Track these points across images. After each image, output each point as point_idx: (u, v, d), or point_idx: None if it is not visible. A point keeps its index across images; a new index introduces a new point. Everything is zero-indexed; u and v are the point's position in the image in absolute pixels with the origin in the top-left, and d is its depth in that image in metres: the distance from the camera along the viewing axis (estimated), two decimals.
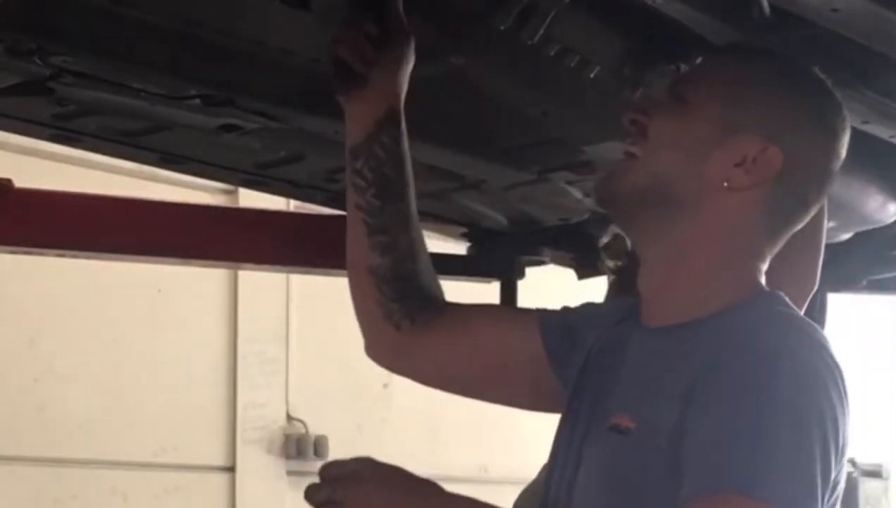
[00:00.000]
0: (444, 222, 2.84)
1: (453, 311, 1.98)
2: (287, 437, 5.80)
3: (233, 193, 4.92)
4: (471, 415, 6.10)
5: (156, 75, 2.07)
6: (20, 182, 2.63)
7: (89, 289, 5.10)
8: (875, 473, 7.64)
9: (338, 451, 5.85)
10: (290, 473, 5.79)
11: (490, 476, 6.13)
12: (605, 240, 2.78)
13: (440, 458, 6.09)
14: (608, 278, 2.80)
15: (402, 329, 1.96)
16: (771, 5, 1.71)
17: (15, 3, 1.87)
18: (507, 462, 5.99)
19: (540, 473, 2.62)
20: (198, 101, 2.14)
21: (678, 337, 1.68)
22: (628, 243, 2.33)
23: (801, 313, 1.92)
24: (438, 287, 2.00)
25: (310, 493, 1.65)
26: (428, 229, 2.92)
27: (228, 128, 2.26)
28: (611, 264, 2.77)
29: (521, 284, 3.00)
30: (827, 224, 2.19)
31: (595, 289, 3.06)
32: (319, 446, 5.80)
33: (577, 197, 2.60)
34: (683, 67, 1.99)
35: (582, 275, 3.07)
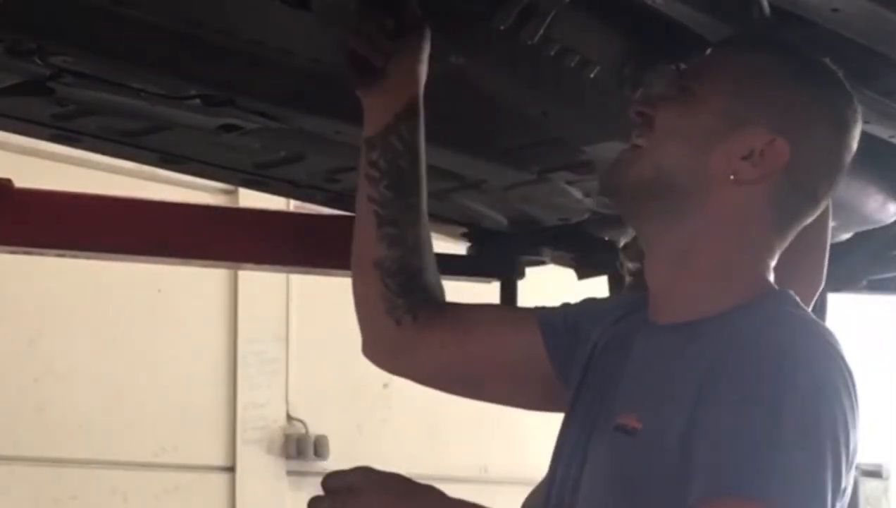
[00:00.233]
0: (444, 222, 2.84)
1: (454, 310, 1.98)
2: (287, 437, 5.80)
3: (233, 193, 4.92)
4: (471, 415, 6.10)
5: (156, 75, 2.07)
6: (20, 182, 2.62)
7: (89, 289, 5.10)
8: (875, 473, 7.64)
9: (338, 451, 5.85)
10: (290, 473, 5.79)
11: (490, 476, 6.12)
12: (624, 241, 2.78)
13: (440, 458, 6.09)
14: (626, 280, 2.78)
15: (403, 325, 1.96)
16: (771, 5, 1.71)
17: (15, 3, 1.87)
18: (507, 462, 5.99)
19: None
20: (198, 101, 2.15)
21: (685, 336, 1.67)
22: None
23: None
24: (440, 286, 2.00)
25: (312, 506, 1.66)
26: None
27: (228, 128, 2.26)
28: (630, 265, 2.76)
29: (520, 284, 3.00)
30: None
31: (595, 289, 3.06)
32: (319, 446, 5.80)
33: (577, 197, 2.60)
34: (683, 67, 1.99)
35: (582, 275, 3.07)
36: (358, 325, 2.03)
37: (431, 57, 1.99)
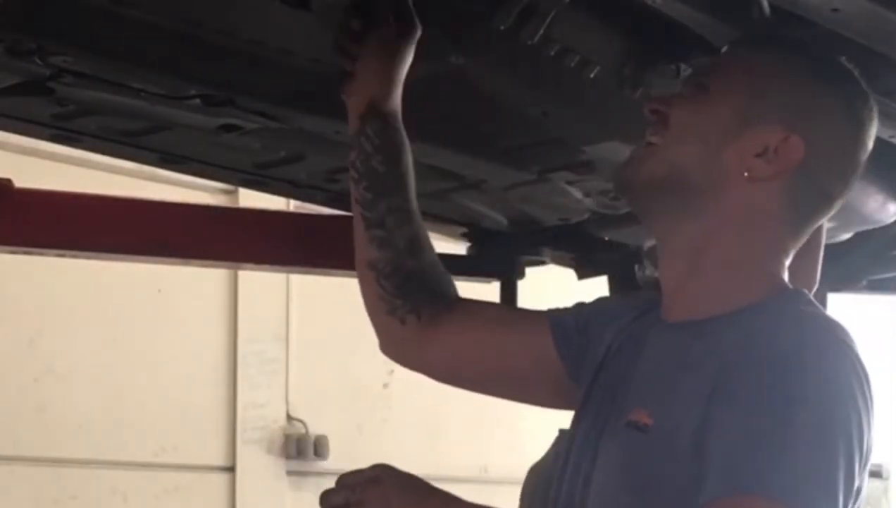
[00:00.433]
0: (444, 222, 2.84)
1: (462, 309, 1.98)
2: (287, 437, 5.79)
3: (233, 193, 4.92)
4: (471, 415, 6.10)
5: (156, 75, 2.07)
6: (20, 182, 2.62)
7: (89, 289, 5.10)
8: (875, 473, 7.66)
9: (338, 451, 5.85)
10: (290, 473, 5.79)
11: (490, 476, 6.12)
12: (648, 244, 2.77)
13: (440, 458, 6.09)
14: (644, 287, 2.78)
15: (408, 324, 1.96)
16: (771, 5, 1.71)
17: (15, 3, 1.87)
18: (507, 462, 5.98)
19: (550, 449, 2.63)
20: (198, 101, 2.14)
21: (698, 334, 1.67)
22: None
23: None
24: (447, 283, 2.00)
25: (325, 497, 1.66)
26: (428, 229, 2.92)
27: (228, 128, 2.26)
28: (650, 272, 2.77)
29: (520, 284, 3.00)
30: (827, 224, 2.19)
31: (595, 289, 3.06)
32: (319, 446, 5.79)
33: (577, 197, 2.60)
34: (683, 67, 1.99)
35: (582, 275, 3.07)
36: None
37: (432, 57, 1.99)
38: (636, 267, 2.85)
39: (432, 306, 1.96)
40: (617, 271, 3.04)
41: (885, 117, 2.04)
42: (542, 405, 2.01)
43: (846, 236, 2.73)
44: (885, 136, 2.12)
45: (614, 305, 1.93)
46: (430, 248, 1.99)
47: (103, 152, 2.44)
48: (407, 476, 1.67)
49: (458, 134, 2.33)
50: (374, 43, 1.92)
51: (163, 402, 5.36)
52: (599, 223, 2.78)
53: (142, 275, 4.65)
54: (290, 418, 5.82)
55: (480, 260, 2.97)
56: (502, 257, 2.96)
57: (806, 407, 1.53)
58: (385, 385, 6.00)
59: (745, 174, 1.69)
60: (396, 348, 2.02)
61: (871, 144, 1.75)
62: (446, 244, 3.06)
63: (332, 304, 5.71)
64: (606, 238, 2.90)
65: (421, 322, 1.96)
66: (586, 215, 2.73)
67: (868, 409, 1.59)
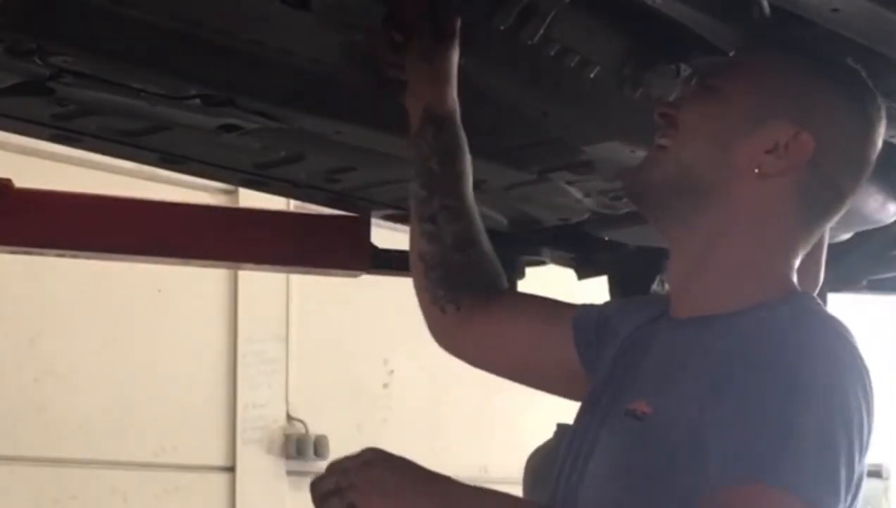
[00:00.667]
0: None
1: (498, 302, 2.04)
2: (287, 437, 5.79)
3: (233, 193, 4.91)
4: (471, 415, 6.10)
5: (156, 75, 2.07)
6: (20, 182, 2.62)
7: (89, 289, 5.10)
8: (875, 473, 7.65)
9: (338, 451, 5.83)
10: (290, 473, 5.79)
11: (490, 476, 6.11)
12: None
13: (440, 458, 6.07)
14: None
15: (448, 314, 2.04)
16: (771, 5, 1.71)
17: (15, 3, 1.87)
18: (507, 462, 5.97)
19: (554, 435, 2.63)
20: (198, 101, 2.14)
21: (700, 328, 1.68)
22: None
23: None
24: (494, 275, 2.07)
25: (315, 484, 1.67)
26: None
27: (228, 128, 2.26)
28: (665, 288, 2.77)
29: (520, 284, 2.99)
30: None
31: (595, 289, 3.06)
32: (319, 446, 5.79)
33: (577, 197, 2.60)
34: (683, 67, 1.99)
35: (582, 275, 3.07)
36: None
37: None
38: (656, 281, 2.85)
39: (472, 298, 2.03)
40: (617, 271, 3.04)
41: (885, 118, 2.04)
42: (562, 395, 2.04)
43: (846, 236, 2.73)
44: (885, 136, 2.12)
45: (635, 305, 1.94)
46: (482, 241, 2.06)
47: (103, 152, 2.44)
48: (400, 459, 1.69)
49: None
50: (418, 50, 1.98)
51: (163, 402, 5.36)
52: (599, 223, 2.78)
53: (142, 275, 4.65)
54: (290, 418, 5.82)
55: None
56: (502, 257, 2.95)
57: (808, 400, 1.54)
58: (385, 385, 6.00)
59: (756, 171, 1.69)
60: (437, 333, 2.10)
61: (880, 143, 1.76)
62: None
63: (332, 304, 5.71)
64: (606, 238, 2.90)
65: (460, 313, 2.03)
66: (586, 215, 2.73)
67: (868, 404, 1.60)
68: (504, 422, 6.11)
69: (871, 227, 2.65)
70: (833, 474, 1.53)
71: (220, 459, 5.64)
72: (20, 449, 5.05)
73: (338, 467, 1.68)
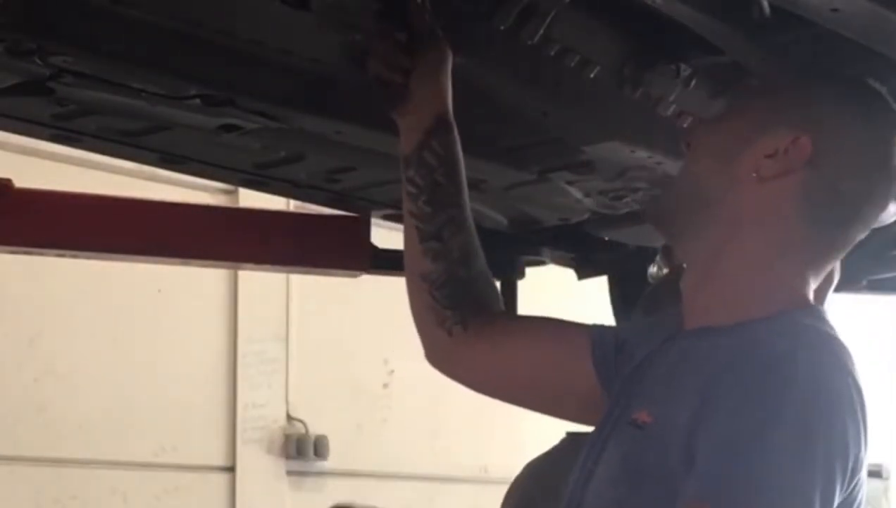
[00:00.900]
0: None
1: (504, 320, 2.00)
2: (287, 437, 5.80)
3: (233, 193, 4.92)
4: (471, 415, 6.10)
5: (156, 75, 2.07)
6: (20, 182, 2.62)
7: (89, 289, 5.10)
8: (875, 473, 7.65)
9: (338, 451, 5.85)
10: (290, 473, 5.79)
11: (490, 476, 6.12)
12: (662, 243, 2.78)
13: (440, 458, 6.09)
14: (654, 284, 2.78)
15: (455, 336, 1.97)
16: (771, 5, 1.71)
17: (15, 3, 1.87)
18: (507, 462, 5.97)
19: (560, 442, 2.63)
20: (198, 101, 2.14)
21: (706, 339, 1.68)
22: None
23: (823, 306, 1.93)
24: (493, 292, 2.02)
25: None
26: None
27: (228, 128, 2.26)
28: (659, 270, 2.77)
29: (521, 284, 3.00)
30: None
31: (595, 289, 3.06)
32: (319, 446, 5.80)
33: (577, 197, 2.60)
34: (683, 67, 1.99)
35: (582, 275, 3.07)
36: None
37: None
38: (650, 265, 2.85)
39: (477, 317, 1.97)
40: (617, 271, 3.04)
41: None
42: (572, 419, 2.02)
43: None
44: None
45: (648, 327, 1.94)
46: (480, 256, 2.00)
47: (103, 152, 2.44)
48: None
49: (458, 134, 2.33)
50: (426, 54, 1.94)
51: (163, 402, 5.37)
52: (599, 223, 2.78)
53: (142, 275, 4.65)
54: (290, 418, 5.82)
55: None
56: (502, 257, 2.96)
57: (786, 418, 1.54)
58: (385, 385, 6.00)
59: (754, 175, 1.70)
60: (439, 357, 2.02)
61: (888, 141, 1.74)
62: None
63: (332, 304, 5.72)
64: (606, 238, 2.90)
65: (466, 334, 1.97)
66: (586, 215, 2.73)
67: (858, 425, 1.59)
68: (504, 422, 6.11)
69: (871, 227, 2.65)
70: (804, 496, 1.52)
71: (220, 459, 5.64)
72: (20, 449, 5.06)
73: None
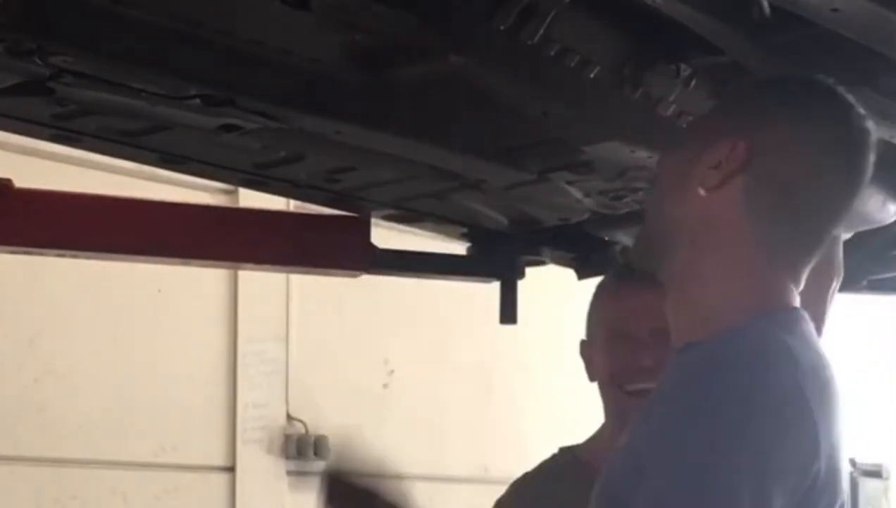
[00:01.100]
0: (444, 222, 2.84)
1: None
2: (287, 437, 5.79)
3: (233, 193, 4.91)
4: (471, 415, 6.10)
5: (156, 75, 2.07)
6: (20, 182, 2.62)
7: (89, 289, 5.10)
8: (875, 473, 7.63)
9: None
10: (290, 473, 5.79)
11: (490, 476, 6.11)
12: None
13: (440, 458, 6.08)
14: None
15: None
16: (771, 5, 1.71)
17: (15, 3, 1.87)
18: (507, 462, 5.98)
19: (551, 457, 2.62)
20: (198, 101, 2.14)
21: (684, 354, 1.70)
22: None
23: (831, 300, 2.01)
24: None
25: None
26: (428, 229, 2.93)
27: (228, 128, 2.26)
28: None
29: (521, 284, 3.00)
30: None
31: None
32: (319, 446, 5.79)
33: (577, 197, 2.60)
34: (683, 67, 1.99)
35: (582, 275, 3.07)
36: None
37: (432, 57, 1.99)
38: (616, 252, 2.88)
39: None
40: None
41: (886, 118, 2.04)
42: None
43: (846, 236, 2.72)
44: (885, 136, 2.12)
45: None
46: None
47: (103, 152, 2.44)
48: None
49: (458, 134, 2.33)
50: None
51: (163, 402, 5.36)
52: (599, 223, 2.79)
53: (142, 275, 4.65)
54: (290, 418, 5.82)
55: (480, 260, 2.97)
56: (502, 257, 2.96)
57: (702, 422, 1.55)
58: (385, 385, 5.99)
59: (701, 190, 1.72)
60: None
61: (844, 136, 1.74)
62: (446, 244, 3.07)
63: (332, 304, 5.71)
64: (606, 238, 2.90)
65: None
66: (586, 215, 2.73)
67: (801, 435, 1.58)
68: (504, 422, 6.11)
69: (871, 227, 2.65)
70: (722, 498, 1.52)
71: (220, 459, 5.64)
72: (20, 449, 5.05)
73: None
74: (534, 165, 2.46)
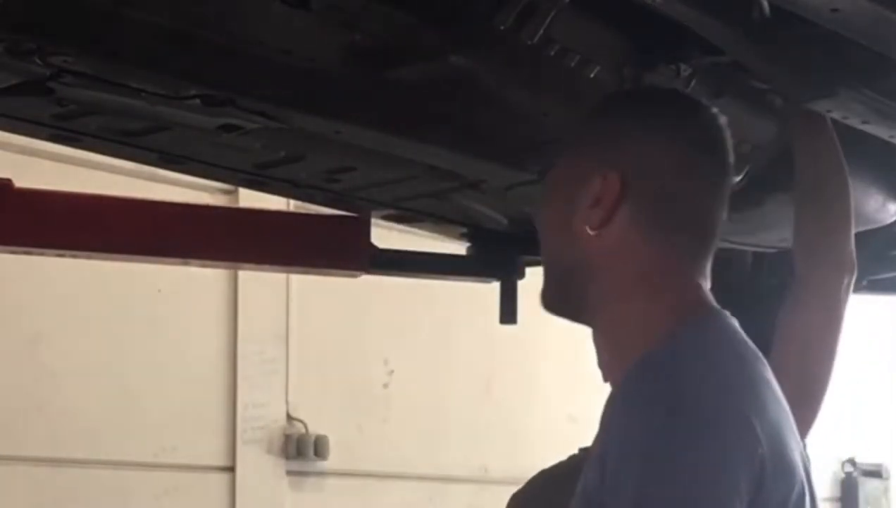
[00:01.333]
0: (443, 222, 2.84)
1: None
2: (287, 437, 5.80)
3: (233, 193, 4.92)
4: (471, 415, 6.10)
5: (156, 75, 2.07)
6: (20, 182, 2.62)
7: (89, 289, 5.10)
8: (875, 473, 7.64)
9: (338, 451, 5.85)
10: (290, 473, 5.79)
11: (490, 476, 6.12)
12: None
13: (440, 458, 6.09)
14: None
15: None
16: (771, 5, 1.71)
17: (15, 3, 1.87)
18: (507, 462, 5.98)
19: (569, 458, 2.63)
20: (198, 101, 2.14)
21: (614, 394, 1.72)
22: None
23: (845, 295, 2.06)
24: None
25: None
26: (428, 229, 2.93)
27: (228, 128, 2.26)
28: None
29: (520, 284, 3.00)
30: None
31: None
32: (319, 446, 5.79)
33: None
34: (683, 67, 1.99)
35: None
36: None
37: (432, 57, 2.00)
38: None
39: None
40: None
41: (885, 117, 2.04)
42: None
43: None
44: (885, 136, 2.12)
45: None
46: None
47: (103, 152, 2.44)
48: None
49: (458, 134, 2.33)
50: None
51: (163, 402, 5.37)
52: None
53: (142, 275, 4.65)
54: (290, 418, 5.82)
55: (480, 260, 2.97)
56: (502, 257, 2.96)
57: (620, 453, 1.59)
58: (385, 385, 5.99)
59: (590, 231, 1.72)
60: None
61: (708, 134, 1.75)
62: (446, 244, 3.07)
63: (332, 304, 5.72)
64: None
65: None
66: None
67: (738, 427, 1.59)
68: (504, 422, 6.11)
69: (871, 227, 2.66)
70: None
71: (220, 459, 5.64)
72: (20, 449, 5.06)
73: None
74: (534, 165, 2.46)
